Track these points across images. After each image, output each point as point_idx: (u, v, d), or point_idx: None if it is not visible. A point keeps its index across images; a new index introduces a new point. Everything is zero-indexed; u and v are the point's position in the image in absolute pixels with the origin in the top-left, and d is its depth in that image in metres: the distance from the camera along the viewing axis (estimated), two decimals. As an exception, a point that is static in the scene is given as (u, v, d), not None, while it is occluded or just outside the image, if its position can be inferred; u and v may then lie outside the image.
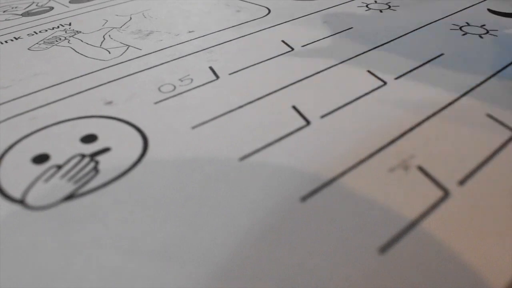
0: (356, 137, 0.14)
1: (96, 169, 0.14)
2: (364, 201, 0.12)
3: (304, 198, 0.12)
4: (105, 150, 0.14)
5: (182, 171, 0.13)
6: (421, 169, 0.13)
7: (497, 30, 0.21)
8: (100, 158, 0.14)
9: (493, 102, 0.15)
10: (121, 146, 0.14)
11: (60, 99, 0.17)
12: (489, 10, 0.24)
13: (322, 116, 0.15)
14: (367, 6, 0.25)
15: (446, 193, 0.12)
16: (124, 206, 0.12)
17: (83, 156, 0.14)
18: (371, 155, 0.13)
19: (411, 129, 0.14)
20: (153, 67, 0.19)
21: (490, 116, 0.15)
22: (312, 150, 0.14)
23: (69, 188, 0.13)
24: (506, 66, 0.18)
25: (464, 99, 0.16)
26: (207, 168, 0.13)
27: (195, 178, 0.13)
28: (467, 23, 0.22)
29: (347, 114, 0.15)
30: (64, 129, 0.16)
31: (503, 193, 0.12)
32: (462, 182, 0.12)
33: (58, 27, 0.26)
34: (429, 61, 0.18)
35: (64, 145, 0.15)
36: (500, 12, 0.23)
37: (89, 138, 0.15)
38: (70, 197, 0.13)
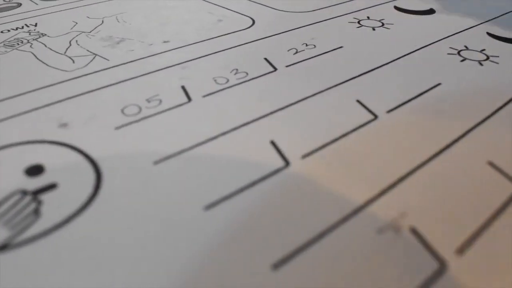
0: (340, 186, 0.12)
1: (37, 212, 0.12)
2: (348, 274, 0.10)
3: (276, 266, 0.10)
4: (51, 186, 0.12)
5: (138, 219, 0.11)
6: (414, 231, 0.11)
7: (498, 57, 0.20)
8: (44, 197, 0.12)
9: (495, 146, 0.14)
10: (70, 183, 0.12)
11: (9, 117, 0.15)
12: (488, 34, 0.22)
13: (304, 156, 0.13)
14: (358, 22, 0.24)
15: (442, 265, 0.10)
16: (66, 262, 0.10)
17: (24, 193, 0.12)
18: (357, 210, 0.11)
19: (402, 178, 0.12)
20: (119, 82, 0.17)
21: (491, 164, 0.13)
22: (291, 201, 0.12)
23: (3, 235, 0.11)
24: (510, 101, 0.16)
25: (463, 141, 0.14)
26: (167, 218, 0.11)
27: (152, 229, 0.11)
28: (465, 46, 0.21)
29: (330, 155, 0.13)
30: (8, 156, 0.13)
31: (506, 266, 0.10)
32: (460, 250, 0.10)
33: (22, 27, 0.24)
34: (424, 92, 0.17)
35: (4, 177, 0.13)
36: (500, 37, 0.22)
37: (35, 170, 0.13)
38: (3, 247, 0.11)
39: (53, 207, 0.12)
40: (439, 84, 0.17)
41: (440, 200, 0.12)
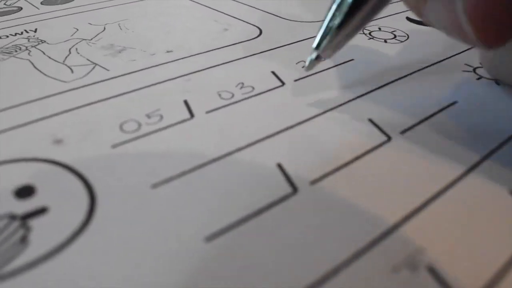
0: (351, 218, 0.11)
1: (24, 240, 0.11)
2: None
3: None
4: (42, 210, 0.12)
5: (132, 251, 0.10)
6: (432, 271, 0.10)
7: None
8: (33, 222, 0.11)
9: (517, 174, 0.13)
10: (62, 207, 0.12)
11: (0, 132, 0.14)
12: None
13: (312, 182, 0.12)
14: (370, 33, 0.23)
15: (464, 313, 0.09)
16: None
17: (13, 217, 0.11)
18: (370, 246, 0.11)
19: (419, 208, 0.12)
20: (119, 95, 0.17)
21: (514, 194, 0.12)
22: (298, 233, 0.11)
23: (-15, 265, 0.10)
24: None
25: (482, 166, 0.13)
26: (164, 251, 0.10)
27: (148, 264, 0.10)
28: (481, 64, 0.20)
29: (341, 182, 0.12)
30: (-3, 175, 0.13)
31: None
32: (484, 295, 0.10)
33: (21, 33, 0.23)
34: (440, 111, 0.16)
35: (-8, 199, 0.12)
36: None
37: (25, 191, 0.12)
38: (-16, 280, 0.10)
39: (42, 235, 0.11)
40: (455, 102, 0.16)
41: (461, 234, 0.11)
